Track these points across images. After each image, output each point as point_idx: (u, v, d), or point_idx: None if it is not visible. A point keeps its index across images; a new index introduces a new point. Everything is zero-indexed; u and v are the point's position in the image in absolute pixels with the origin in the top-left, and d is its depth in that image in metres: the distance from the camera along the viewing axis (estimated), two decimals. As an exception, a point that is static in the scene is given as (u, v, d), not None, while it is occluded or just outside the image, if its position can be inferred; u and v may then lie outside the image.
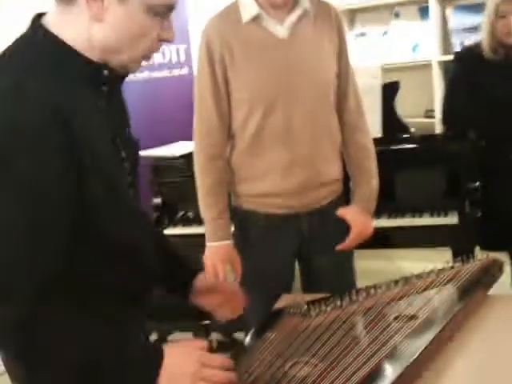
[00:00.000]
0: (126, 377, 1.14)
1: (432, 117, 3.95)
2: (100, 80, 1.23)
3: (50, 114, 1.09)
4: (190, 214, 2.92)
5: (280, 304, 1.81)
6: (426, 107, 4.02)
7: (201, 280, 1.52)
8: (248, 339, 1.58)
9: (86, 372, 1.12)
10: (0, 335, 1.08)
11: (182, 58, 3.72)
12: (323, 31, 1.99)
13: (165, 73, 3.63)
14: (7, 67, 1.16)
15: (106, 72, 1.22)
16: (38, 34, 1.19)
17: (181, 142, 3.17)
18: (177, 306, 1.86)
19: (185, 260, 1.54)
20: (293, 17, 1.94)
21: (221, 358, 1.24)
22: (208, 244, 2.01)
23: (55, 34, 1.18)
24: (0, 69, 1.16)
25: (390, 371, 1.32)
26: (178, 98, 3.64)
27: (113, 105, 1.28)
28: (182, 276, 1.52)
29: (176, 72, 3.69)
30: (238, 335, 2.47)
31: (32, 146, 1.06)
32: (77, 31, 1.18)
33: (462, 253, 2.09)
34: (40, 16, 1.21)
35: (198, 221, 2.45)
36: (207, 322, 2.71)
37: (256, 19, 1.93)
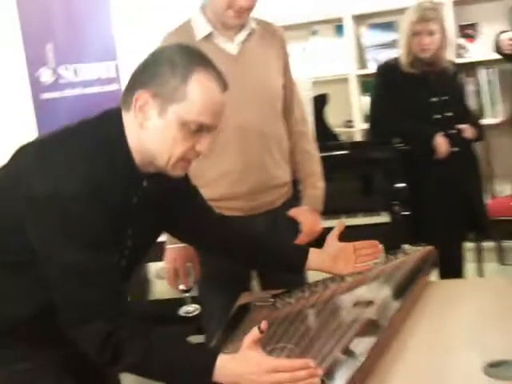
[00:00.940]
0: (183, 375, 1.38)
1: (351, 126, 4.22)
2: (139, 185, 1.47)
3: (93, 189, 1.35)
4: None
5: (241, 302, 1.94)
6: (345, 118, 4.26)
7: (317, 254, 1.83)
8: (219, 335, 1.70)
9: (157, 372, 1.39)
10: (91, 348, 1.36)
11: (112, 74, 3.79)
12: (269, 48, 2.16)
13: (96, 89, 3.69)
14: (77, 139, 1.42)
15: (145, 183, 1.49)
16: (111, 121, 1.43)
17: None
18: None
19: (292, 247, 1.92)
20: (242, 35, 2.11)
21: (287, 361, 1.38)
22: (168, 247, 2.11)
23: (123, 126, 1.41)
24: (71, 138, 1.43)
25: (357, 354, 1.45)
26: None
27: (149, 201, 1.51)
28: (296, 258, 1.84)
29: (106, 88, 3.76)
30: (193, 338, 2.56)
31: (83, 215, 1.34)
32: (131, 132, 1.43)
33: (393, 248, 2.30)
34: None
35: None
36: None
37: (208, 37, 2.08)
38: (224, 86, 1.47)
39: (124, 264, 1.54)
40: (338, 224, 1.90)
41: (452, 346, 1.58)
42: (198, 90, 1.40)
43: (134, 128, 1.42)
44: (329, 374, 1.39)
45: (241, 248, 1.82)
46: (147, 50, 4.08)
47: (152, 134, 1.41)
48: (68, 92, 3.43)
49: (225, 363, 1.37)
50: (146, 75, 1.41)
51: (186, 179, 1.67)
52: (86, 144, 1.40)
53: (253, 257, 1.84)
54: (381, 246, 1.94)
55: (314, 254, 1.84)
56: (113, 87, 3.79)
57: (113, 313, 1.37)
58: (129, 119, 1.43)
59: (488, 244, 3.96)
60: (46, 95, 3.31)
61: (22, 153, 1.45)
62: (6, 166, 1.50)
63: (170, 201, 1.62)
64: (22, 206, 1.36)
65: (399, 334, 1.64)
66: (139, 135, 1.42)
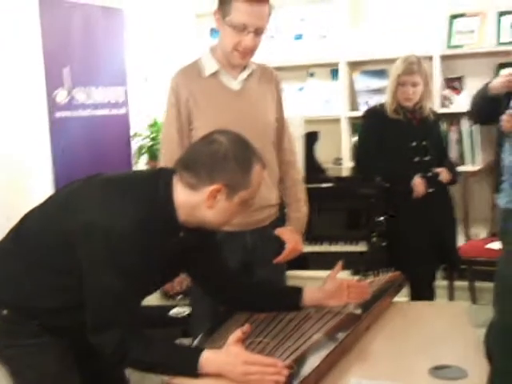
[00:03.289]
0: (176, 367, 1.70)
1: (340, 164, 4.47)
2: (176, 235, 1.77)
3: (139, 232, 1.65)
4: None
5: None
6: (335, 155, 4.48)
7: (313, 292, 2.05)
8: (202, 334, 1.96)
9: (156, 366, 1.71)
10: (107, 350, 1.68)
11: (121, 98, 4.05)
12: (266, 87, 2.47)
13: (105, 111, 3.94)
14: (134, 191, 1.74)
15: (181, 233, 1.78)
16: (162, 184, 1.74)
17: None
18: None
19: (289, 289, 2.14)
20: (243, 74, 2.41)
21: (260, 357, 1.67)
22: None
23: (172, 190, 1.73)
24: (130, 189, 1.75)
25: (322, 351, 1.74)
26: (117, 134, 4.00)
27: (182, 247, 1.81)
28: (293, 300, 2.04)
29: (115, 111, 4.02)
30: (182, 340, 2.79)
31: (128, 250, 1.64)
32: (188, 204, 1.72)
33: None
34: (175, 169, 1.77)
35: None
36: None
37: (215, 74, 2.38)
38: (264, 166, 1.81)
39: (157, 282, 1.96)
40: (336, 266, 2.11)
41: (404, 352, 1.85)
42: (256, 179, 1.75)
43: (195, 203, 1.72)
44: (299, 361, 1.67)
45: (248, 298, 2.06)
46: (155, 78, 4.37)
47: (216, 212, 1.73)
48: (80, 112, 3.70)
49: (209, 356, 1.67)
50: (218, 171, 1.70)
51: (214, 235, 1.97)
52: (140, 197, 1.72)
53: (256, 304, 2.06)
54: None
55: (308, 293, 2.05)
56: (121, 111, 4.06)
57: (128, 326, 1.69)
58: (192, 196, 1.72)
59: (461, 283, 4.17)
60: (60, 114, 3.57)
61: (91, 183, 1.81)
62: (72, 186, 1.85)
63: (198, 250, 1.91)
64: (77, 227, 1.67)
65: (360, 341, 1.91)
66: (200, 210, 1.72)
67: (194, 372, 1.66)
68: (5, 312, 1.80)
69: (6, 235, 1.89)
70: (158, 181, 1.76)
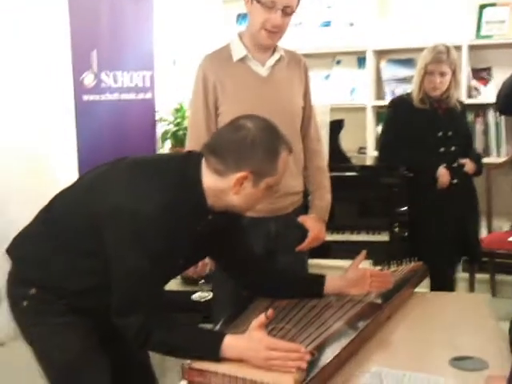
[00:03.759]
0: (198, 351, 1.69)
1: (364, 153, 4.46)
2: (205, 218, 1.78)
3: (166, 216, 1.66)
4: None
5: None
6: (359, 144, 4.50)
7: (335, 281, 2.07)
8: (224, 319, 1.98)
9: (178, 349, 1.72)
10: (130, 332, 1.69)
11: (147, 83, 4.07)
12: (294, 74, 2.46)
13: (131, 95, 3.96)
14: (162, 175, 1.74)
15: (210, 216, 1.78)
16: (191, 167, 1.75)
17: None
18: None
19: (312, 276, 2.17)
20: (271, 60, 2.41)
21: (283, 342, 1.68)
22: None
23: (201, 173, 1.74)
24: (158, 172, 1.75)
25: (343, 339, 1.75)
26: (142, 119, 4.03)
27: (209, 230, 1.81)
28: (315, 287, 2.06)
29: (141, 96, 4.04)
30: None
31: (154, 233, 1.65)
32: (215, 188, 1.73)
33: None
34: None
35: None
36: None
37: (243, 59, 2.38)
38: (291, 151, 1.81)
39: (181, 266, 1.95)
40: (359, 255, 2.11)
41: (425, 342, 1.86)
42: (282, 165, 1.75)
43: (222, 188, 1.72)
44: (320, 348, 1.68)
45: (271, 283, 2.06)
46: (182, 64, 4.40)
47: (242, 197, 1.73)
48: (107, 96, 3.73)
49: (231, 341, 1.68)
50: (245, 158, 1.70)
51: (240, 219, 1.97)
52: (168, 181, 1.73)
53: (279, 290, 2.07)
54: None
55: (330, 281, 2.06)
56: (147, 96, 4.08)
57: (152, 309, 1.70)
58: (219, 181, 1.72)
59: (482, 276, 4.16)
60: (87, 97, 3.60)
61: (118, 166, 1.81)
62: (99, 169, 1.86)
63: (225, 233, 1.91)
64: (104, 210, 1.69)
65: (382, 330, 1.92)
66: (227, 195, 1.73)
67: (215, 357, 1.66)
68: (33, 291, 1.82)
69: (35, 217, 1.92)
70: (188, 164, 1.77)
